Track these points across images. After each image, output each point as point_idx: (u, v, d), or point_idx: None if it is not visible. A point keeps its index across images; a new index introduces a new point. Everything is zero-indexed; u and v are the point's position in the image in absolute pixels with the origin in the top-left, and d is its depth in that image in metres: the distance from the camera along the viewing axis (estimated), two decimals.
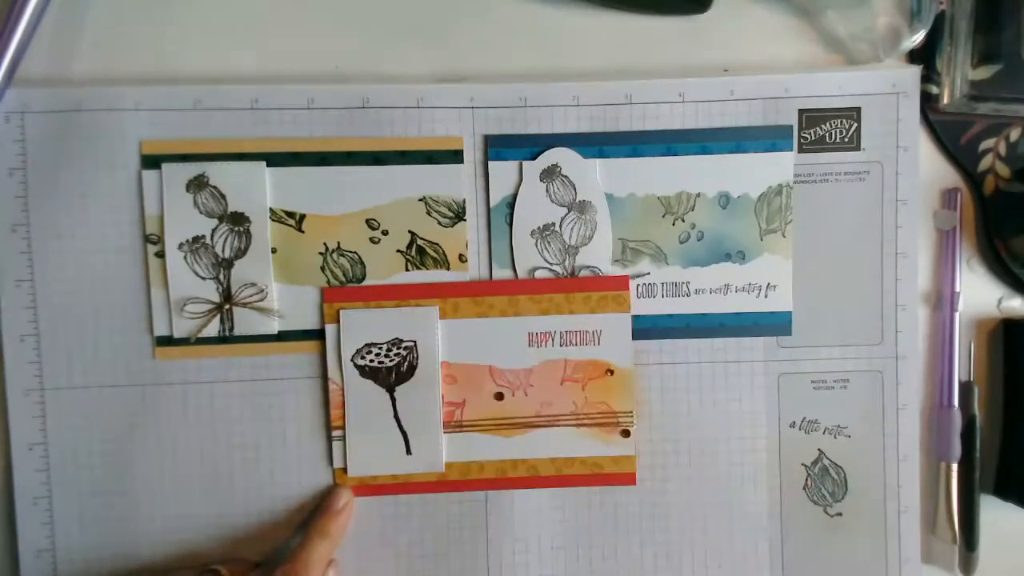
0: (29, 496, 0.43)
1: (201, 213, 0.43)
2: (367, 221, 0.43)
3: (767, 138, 0.44)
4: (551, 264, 0.44)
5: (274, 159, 0.43)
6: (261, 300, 0.43)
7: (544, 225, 0.44)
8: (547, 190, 0.44)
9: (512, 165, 0.44)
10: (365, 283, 0.44)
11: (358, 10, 0.44)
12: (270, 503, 0.44)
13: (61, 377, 0.43)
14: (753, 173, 0.44)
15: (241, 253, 0.43)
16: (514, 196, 0.44)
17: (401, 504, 0.44)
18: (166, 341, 0.43)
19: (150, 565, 0.43)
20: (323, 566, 0.40)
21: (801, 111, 0.44)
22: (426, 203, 0.44)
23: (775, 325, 0.45)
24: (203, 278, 0.43)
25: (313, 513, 0.43)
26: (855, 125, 0.44)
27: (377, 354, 0.43)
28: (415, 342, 0.43)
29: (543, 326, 0.44)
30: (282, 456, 0.44)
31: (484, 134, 0.43)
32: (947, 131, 0.45)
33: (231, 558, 0.43)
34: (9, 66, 0.41)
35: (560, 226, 0.44)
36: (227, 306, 0.43)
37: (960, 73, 0.43)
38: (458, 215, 0.44)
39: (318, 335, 0.44)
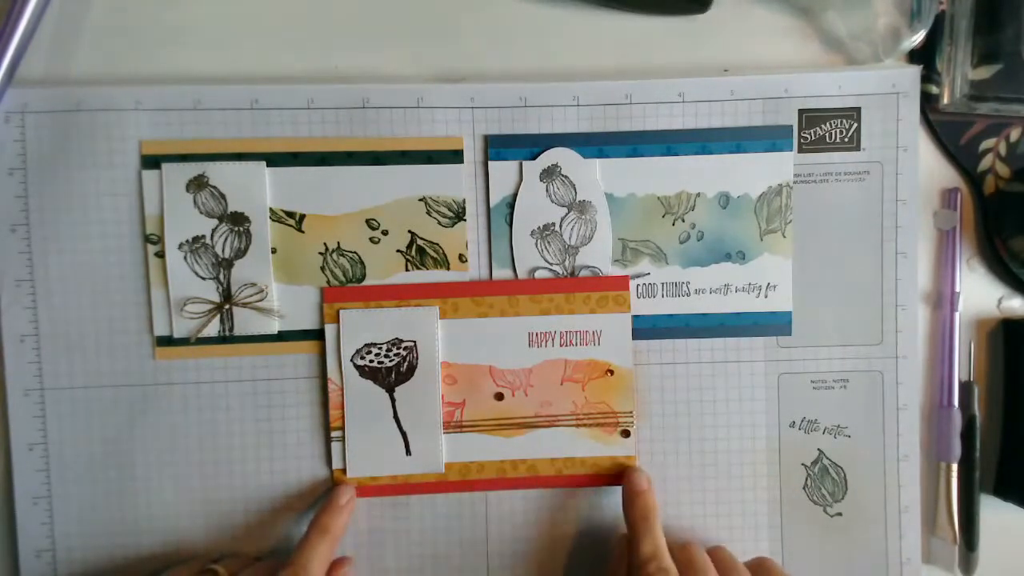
0: (29, 496, 0.43)
1: (201, 213, 0.43)
2: (367, 221, 0.43)
3: (767, 138, 0.44)
4: (551, 264, 0.44)
5: (274, 159, 0.43)
6: (261, 300, 0.43)
7: (544, 225, 0.44)
8: (547, 190, 0.44)
9: (512, 165, 0.44)
10: (365, 283, 0.44)
11: (358, 10, 0.44)
12: (270, 504, 0.44)
13: (61, 377, 0.43)
14: (753, 173, 0.44)
15: (241, 253, 0.43)
16: (514, 196, 0.44)
17: (401, 504, 0.44)
18: (166, 341, 0.43)
19: (150, 565, 0.43)
20: (324, 563, 0.40)
21: (801, 111, 0.44)
22: (426, 203, 0.44)
23: (775, 325, 0.45)
24: (203, 278, 0.43)
25: (315, 510, 0.43)
26: (855, 125, 0.44)
27: (377, 354, 0.43)
28: (415, 342, 0.43)
29: (543, 326, 0.44)
30: (281, 456, 0.44)
31: (484, 134, 0.43)
32: (947, 131, 0.45)
33: (228, 554, 0.43)
34: (9, 66, 0.41)
35: (560, 226, 0.44)
36: (227, 306, 0.43)
37: (960, 73, 0.43)
38: (458, 215, 0.44)
39: (318, 335, 0.44)
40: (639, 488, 0.42)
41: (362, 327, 0.43)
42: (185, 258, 0.43)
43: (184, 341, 0.43)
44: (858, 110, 0.44)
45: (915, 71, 0.44)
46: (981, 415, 0.46)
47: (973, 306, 0.46)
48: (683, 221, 0.44)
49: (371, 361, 0.43)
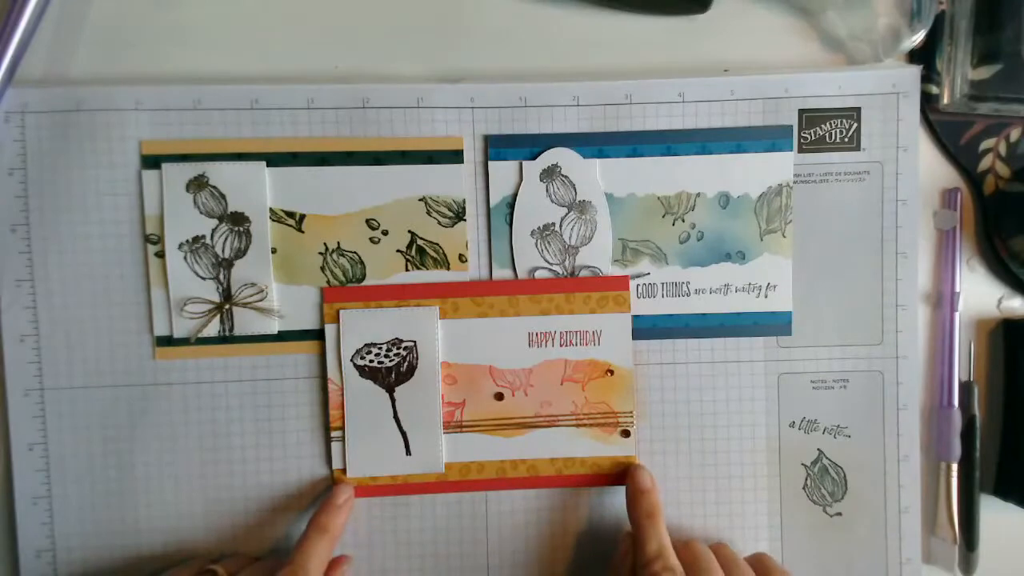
0: (29, 496, 0.43)
1: (201, 213, 0.43)
2: (367, 221, 0.43)
3: (767, 138, 0.44)
4: (551, 264, 0.44)
5: (274, 159, 0.43)
6: (261, 300, 0.43)
7: (544, 225, 0.44)
8: (547, 190, 0.44)
9: (512, 165, 0.44)
10: (365, 283, 0.44)
11: (358, 10, 0.44)
12: (270, 503, 0.44)
13: (61, 377, 0.43)
14: (753, 173, 0.44)
15: (241, 253, 0.43)
16: (514, 196, 0.44)
17: (401, 504, 0.44)
18: (166, 341, 0.43)
19: (150, 565, 0.43)
20: (323, 562, 0.40)
21: (801, 111, 0.44)
22: (426, 203, 0.44)
23: (775, 325, 0.45)
24: (203, 278, 0.43)
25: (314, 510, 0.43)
26: (855, 125, 0.44)
27: (377, 354, 0.43)
28: (415, 342, 0.43)
29: (543, 326, 0.44)
30: (281, 456, 0.44)
31: (484, 134, 0.43)
32: (947, 131, 0.45)
33: (228, 554, 0.43)
34: (9, 66, 0.41)
35: (560, 226, 0.44)
36: (227, 306, 0.43)
37: (960, 73, 0.43)
38: (458, 215, 0.44)
39: (318, 335, 0.44)
40: (643, 486, 0.42)
41: (362, 327, 0.43)
42: (185, 258, 0.43)
43: (184, 341, 0.43)
44: (858, 110, 0.44)
45: (915, 71, 0.44)
46: (981, 415, 0.46)
47: (973, 306, 0.46)
48: (683, 221, 0.44)
49: (371, 361, 0.43)
